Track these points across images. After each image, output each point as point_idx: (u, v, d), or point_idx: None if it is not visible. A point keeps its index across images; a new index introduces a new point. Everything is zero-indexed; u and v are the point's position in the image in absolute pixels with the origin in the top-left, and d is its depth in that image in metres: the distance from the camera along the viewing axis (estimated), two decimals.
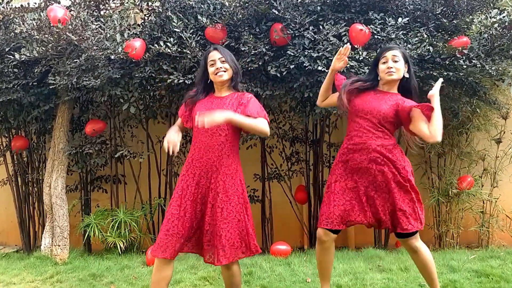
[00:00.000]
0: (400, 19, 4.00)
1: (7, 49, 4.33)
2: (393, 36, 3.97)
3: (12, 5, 4.41)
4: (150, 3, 4.34)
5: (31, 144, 5.13)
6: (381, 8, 4.21)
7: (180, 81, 4.12)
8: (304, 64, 3.95)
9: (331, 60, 3.90)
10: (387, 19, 4.03)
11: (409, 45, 3.94)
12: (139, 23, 4.46)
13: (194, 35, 4.07)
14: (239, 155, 2.75)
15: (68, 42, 4.04)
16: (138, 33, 4.25)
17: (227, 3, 4.09)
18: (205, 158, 2.64)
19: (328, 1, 4.14)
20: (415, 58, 3.99)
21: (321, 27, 4.01)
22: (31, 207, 5.23)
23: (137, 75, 4.24)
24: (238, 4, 4.11)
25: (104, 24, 4.16)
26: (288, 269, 3.98)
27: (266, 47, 4.05)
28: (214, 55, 2.71)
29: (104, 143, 4.77)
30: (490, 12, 4.10)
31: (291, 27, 4.03)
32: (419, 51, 3.93)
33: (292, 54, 4.00)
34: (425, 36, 4.03)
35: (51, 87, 4.28)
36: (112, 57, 4.06)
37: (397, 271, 3.83)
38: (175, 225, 2.59)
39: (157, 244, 2.61)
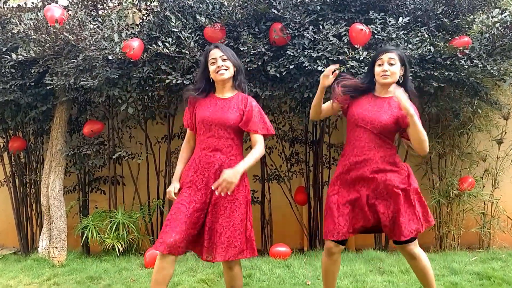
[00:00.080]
0: (400, 19, 3.96)
1: (4, 49, 4.32)
2: (394, 36, 3.93)
3: (9, 5, 4.38)
4: (148, 3, 4.31)
5: (28, 145, 5.11)
6: (381, 8, 4.17)
7: (179, 81, 4.08)
8: (304, 64, 3.92)
9: (331, 60, 3.91)
10: (387, 18, 4.00)
11: (410, 45, 3.90)
12: (137, 23, 4.43)
13: (192, 35, 4.03)
14: None
15: (66, 42, 4.02)
16: (136, 33, 4.22)
17: (226, 3, 4.06)
18: (213, 160, 2.62)
19: (328, 0, 4.11)
20: (416, 58, 3.96)
21: (321, 26, 3.98)
22: (29, 209, 5.21)
23: (135, 75, 4.21)
24: (237, 4, 4.08)
25: (102, 24, 4.13)
26: (288, 272, 3.95)
27: (266, 47, 4.01)
28: (215, 53, 2.66)
29: (102, 144, 4.74)
30: (492, 12, 4.07)
31: (290, 26, 3.99)
32: (420, 51, 3.89)
33: (291, 54, 3.96)
34: (426, 36, 4.00)
35: (48, 87, 4.25)
36: (110, 57, 4.03)
37: (398, 273, 3.80)
38: (181, 218, 2.54)
39: (161, 238, 2.54)
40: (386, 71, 2.69)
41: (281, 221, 5.07)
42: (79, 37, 3.92)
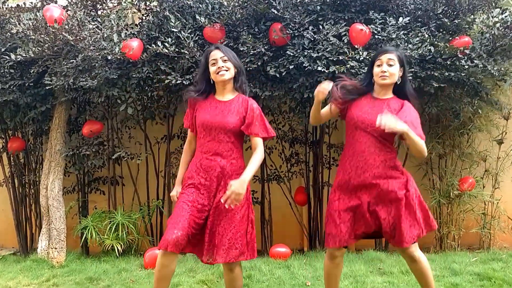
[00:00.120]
0: (401, 19, 3.95)
1: (3, 50, 4.31)
2: (394, 36, 3.92)
3: (8, 5, 4.37)
4: (147, 3, 4.30)
5: (27, 145, 5.09)
6: (381, 8, 4.16)
7: (178, 81, 4.07)
8: (304, 65, 3.90)
9: (331, 60, 3.90)
10: (387, 18, 3.99)
11: (410, 45, 3.89)
12: (137, 23, 4.42)
13: (192, 35, 4.02)
14: None
15: (65, 42, 4.01)
16: (135, 33, 4.21)
17: (225, 3, 4.05)
18: (213, 164, 2.62)
19: (328, 0, 4.10)
20: (416, 58, 3.95)
21: (320, 27, 3.97)
22: (28, 209, 5.19)
23: (134, 75, 4.19)
24: (236, 4, 4.07)
25: (101, 24, 4.13)
26: (288, 272, 3.93)
27: (265, 47, 4.00)
28: (216, 54, 2.65)
29: (101, 145, 4.72)
30: (492, 12, 4.07)
31: (290, 27, 3.98)
32: (420, 51, 3.88)
33: (291, 54, 3.95)
34: (426, 36, 3.99)
35: (47, 87, 4.23)
36: (109, 57, 4.02)
37: (398, 274, 3.78)
38: (183, 215, 2.54)
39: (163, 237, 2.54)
40: (385, 72, 2.66)
41: (281, 221, 5.05)
42: (78, 37, 3.90)
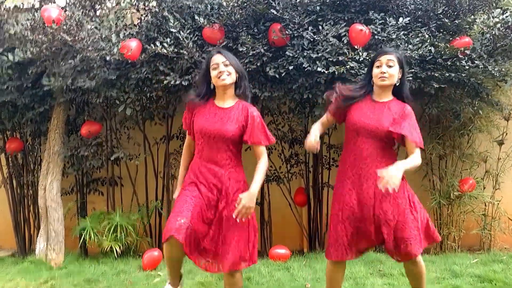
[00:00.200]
0: (401, 19, 3.93)
1: (1, 50, 4.27)
2: (394, 36, 3.90)
3: (5, 6, 4.34)
4: (146, 3, 4.27)
5: (26, 146, 5.07)
6: (381, 8, 4.14)
7: (177, 82, 4.05)
8: (303, 65, 3.88)
9: (331, 61, 3.88)
10: (387, 19, 3.97)
11: (410, 46, 3.87)
12: (136, 23, 4.40)
13: (191, 36, 4.00)
14: None
15: (63, 42, 3.98)
16: (134, 33, 4.19)
17: (224, 3, 4.04)
18: (213, 172, 2.60)
19: (327, 1, 4.07)
20: (416, 59, 3.92)
21: (320, 27, 3.95)
22: (27, 210, 5.17)
23: (133, 76, 4.17)
24: (236, 4, 4.05)
25: (99, 25, 4.11)
26: (287, 274, 3.92)
27: (265, 47, 3.98)
28: (217, 58, 2.62)
29: (100, 145, 4.70)
30: (493, 12, 4.03)
31: (290, 27, 3.96)
32: (421, 52, 3.86)
33: (291, 55, 3.93)
34: (427, 36, 3.96)
35: (46, 88, 4.22)
36: (108, 58, 4.00)
37: (398, 276, 3.77)
38: (187, 206, 2.52)
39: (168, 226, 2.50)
40: (384, 73, 2.64)
41: (280, 222, 5.03)
42: (76, 38, 3.88)
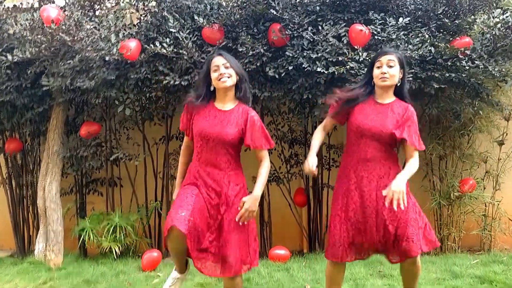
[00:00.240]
0: (401, 19, 3.92)
1: (0, 50, 4.25)
2: (394, 36, 3.89)
3: (4, 6, 4.33)
4: (146, 3, 4.25)
5: (25, 146, 5.06)
6: (381, 8, 4.13)
7: (176, 82, 4.04)
8: (303, 65, 3.87)
9: (330, 61, 3.87)
10: (387, 19, 3.96)
11: (410, 46, 3.86)
12: (135, 23, 4.39)
13: (190, 36, 3.99)
14: None
15: (62, 42, 3.98)
16: (133, 33, 4.18)
17: (224, 3, 4.03)
18: (213, 175, 2.60)
19: (327, 1, 4.06)
20: (416, 59, 3.91)
21: (320, 27, 3.94)
22: (26, 211, 5.15)
23: (132, 76, 4.16)
24: (235, 4, 4.04)
25: (98, 25, 4.10)
26: (287, 275, 3.91)
27: (264, 48, 3.97)
28: (218, 60, 2.61)
29: (99, 146, 4.70)
30: (493, 12, 4.02)
31: (289, 27, 3.95)
32: (421, 52, 3.85)
33: (290, 55, 3.92)
34: (427, 36, 3.95)
35: (45, 88, 4.21)
36: (107, 58, 3.98)
37: (398, 277, 3.72)
38: (188, 201, 2.51)
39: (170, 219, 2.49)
40: (385, 73, 2.63)
41: (280, 223, 5.02)
42: (75, 38, 3.87)
